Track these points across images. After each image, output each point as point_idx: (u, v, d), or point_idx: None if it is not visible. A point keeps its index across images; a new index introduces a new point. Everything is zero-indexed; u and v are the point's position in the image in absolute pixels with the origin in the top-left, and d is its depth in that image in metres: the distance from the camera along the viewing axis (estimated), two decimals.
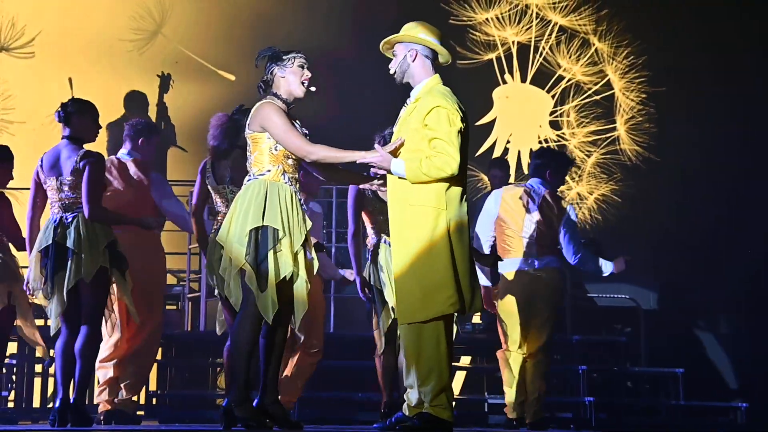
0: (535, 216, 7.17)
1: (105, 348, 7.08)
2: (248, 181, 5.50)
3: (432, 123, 5.23)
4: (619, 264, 7.27)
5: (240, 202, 5.44)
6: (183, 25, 11.96)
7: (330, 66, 10.21)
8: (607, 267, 7.28)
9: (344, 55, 11.14)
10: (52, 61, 11.65)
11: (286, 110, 5.52)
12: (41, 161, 6.35)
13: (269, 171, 5.46)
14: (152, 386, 8.77)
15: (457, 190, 5.27)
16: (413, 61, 5.42)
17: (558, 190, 7.43)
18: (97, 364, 6.83)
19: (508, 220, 7.26)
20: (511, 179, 9.42)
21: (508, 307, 7.17)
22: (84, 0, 11.81)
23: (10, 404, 8.96)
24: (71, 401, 6.04)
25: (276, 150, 5.45)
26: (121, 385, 7.23)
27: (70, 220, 6.16)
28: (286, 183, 5.47)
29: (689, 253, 10.82)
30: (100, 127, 6.56)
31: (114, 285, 6.23)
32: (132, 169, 7.36)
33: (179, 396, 8.99)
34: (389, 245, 6.42)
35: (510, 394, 7.14)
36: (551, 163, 7.38)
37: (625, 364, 9.55)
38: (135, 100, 11.45)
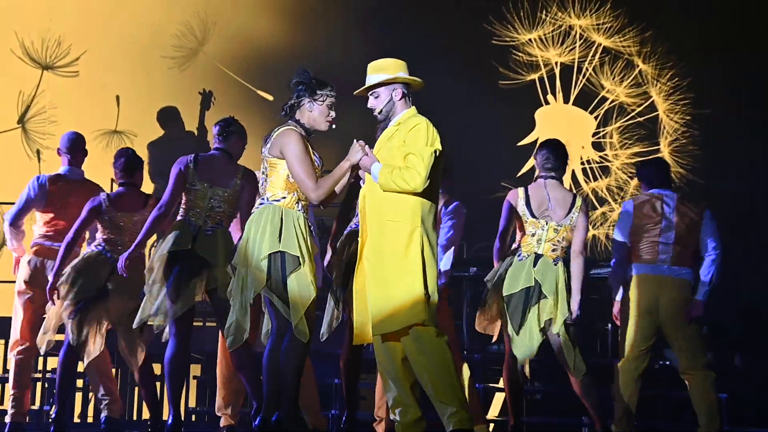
0: (671, 222, 7.12)
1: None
2: (260, 205, 5.56)
3: (410, 140, 5.42)
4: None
5: (255, 227, 5.50)
6: (224, 43, 12.04)
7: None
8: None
9: None
10: (96, 79, 11.76)
11: (306, 139, 5.60)
12: (194, 162, 6.41)
13: (284, 198, 5.55)
14: (191, 403, 8.79)
15: (431, 208, 5.48)
16: (399, 99, 5.60)
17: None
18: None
19: (641, 229, 7.17)
20: None
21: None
22: (129, 19, 11.91)
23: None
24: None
25: (292, 178, 5.53)
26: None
27: (212, 231, 6.19)
28: (299, 210, 5.56)
29: (733, 276, 10.68)
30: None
31: None
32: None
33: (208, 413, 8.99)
34: None
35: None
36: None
37: (666, 389, 9.42)
38: (168, 117, 11.54)
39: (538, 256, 6.59)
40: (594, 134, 12.01)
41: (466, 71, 11.64)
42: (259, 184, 5.65)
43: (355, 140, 5.56)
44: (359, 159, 5.49)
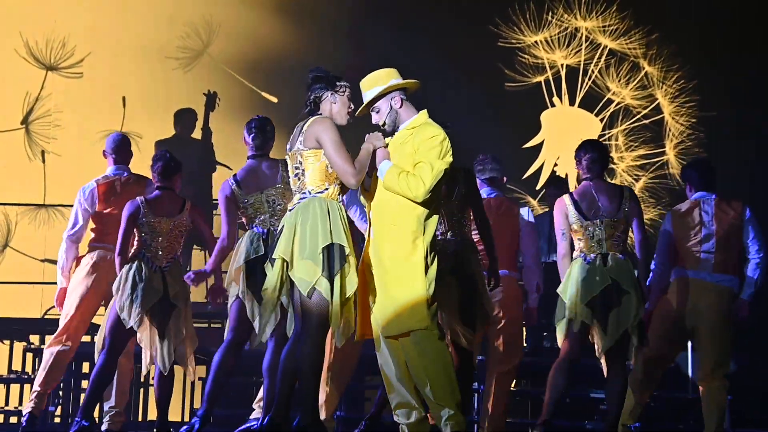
0: (711, 230, 7.10)
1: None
2: (303, 198, 5.48)
3: (424, 149, 5.45)
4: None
5: (302, 220, 5.40)
6: (229, 45, 12.05)
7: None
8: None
9: None
10: (100, 80, 11.77)
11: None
12: (236, 182, 6.50)
13: (327, 189, 5.47)
14: (196, 404, 8.77)
15: (435, 219, 5.52)
16: (400, 107, 5.62)
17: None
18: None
19: (682, 239, 7.15)
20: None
21: None
22: (135, 21, 11.92)
23: (57, 419, 9.00)
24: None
25: (330, 168, 5.46)
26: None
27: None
28: (341, 201, 5.53)
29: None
30: None
31: None
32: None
33: (222, 415, 8.97)
34: None
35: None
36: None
37: (670, 390, 9.40)
38: (185, 119, 11.54)
39: (604, 255, 6.56)
40: (600, 136, 12.00)
41: (472, 73, 11.65)
42: (295, 181, 5.56)
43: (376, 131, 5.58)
44: (381, 145, 5.51)
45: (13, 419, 9.06)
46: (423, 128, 5.52)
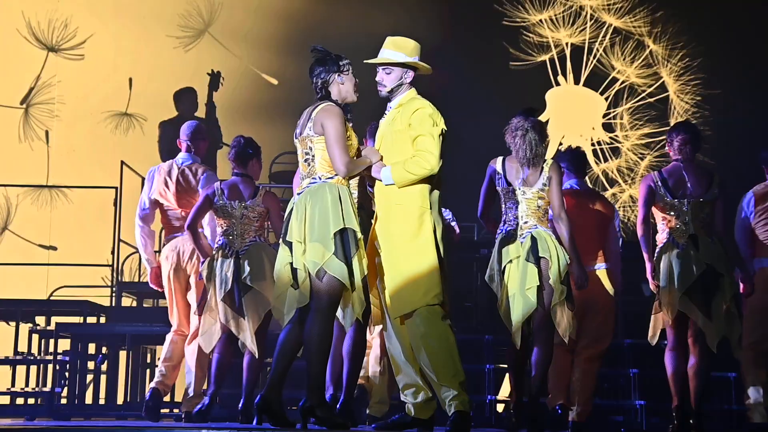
0: None
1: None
2: (313, 182, 5.48)
3: (416, 122, 5.47)
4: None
5: (312, 204, 5.40)
6: (230, 25, 12.01)
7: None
8: None
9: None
10: (103, 61, 11.74)
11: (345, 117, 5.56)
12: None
13: (336, 175, 5.46)
14: (204, 385, 8.76)
15: (437, 193, 5.52)
16: (408, 83, 5.66)
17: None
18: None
19: (761, 223, 7.04)
20: None
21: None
22: (137, 1, 11.89)
23: (63, 401, 9.00)
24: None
25: None
26: None
27: None
28: (349, 187, 5.54)
29: None
30: None
31: None
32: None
33: (229, 396, 8.98)
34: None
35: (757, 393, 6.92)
36: None
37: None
38: (186, 98, 11.51)
39: (693, 238, 6.52)
40: (604, 115, 11.98)
41: (476, 52, 11.62)
42: (304, 166, 5.55)
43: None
44: (377, 160, 5.53)
45: (20, 400, 9.05)
46: (409, 104, 5.54)
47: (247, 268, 6.73)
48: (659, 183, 6.62)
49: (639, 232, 6.65)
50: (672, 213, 6.58)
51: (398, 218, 5.46)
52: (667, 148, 6.85)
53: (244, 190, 6.93)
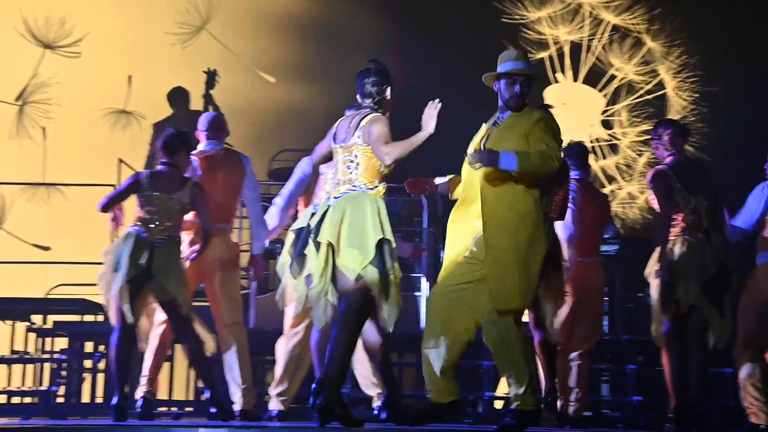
0: None
1: None
2: (353, 190, 5.53)
3: (541, 130, 5.44)
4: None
5: (352, 211, 5.46)
6: (228, 22, 12.00)
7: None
8: None
9: (397, 58, 11.14)
10: (100, 57, 11.72)
11: None
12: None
13: (376, 187, 5.55)
14: (201, 383, 8.74)
15: (546, 200, 5.53)
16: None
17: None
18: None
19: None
20: None
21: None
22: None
23: (60, 399, 8.99)
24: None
25: (383, 167, 5.52)
26: None
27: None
28: (385, 200, 5.61)
29: (741, 254, 10.67)
30: None
31: None
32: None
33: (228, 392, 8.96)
34: None
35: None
36: None
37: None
38: (178, 97, 11.49)
39: (707, 233, 6.46)
40: (603, 112, 11.98)
41: (475, 49, 11.59)
42: (345, 172, 5.58)
43: (430, 103, 5.46)
44: (433, 127, 5.42)
45: (16, 399, 9.03)
46: (529, 113, 5.54)
47: (160, 262, 6.59)
48: (674, 177, 6.50)
49: (661, 225, 6.51)
50: (687, 208, 6.47)
51: (508, 225, 5.40)
52: (653, 145, 6.75)
53: (172, 181, 6.75)
